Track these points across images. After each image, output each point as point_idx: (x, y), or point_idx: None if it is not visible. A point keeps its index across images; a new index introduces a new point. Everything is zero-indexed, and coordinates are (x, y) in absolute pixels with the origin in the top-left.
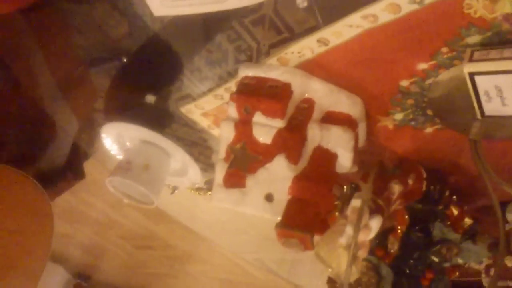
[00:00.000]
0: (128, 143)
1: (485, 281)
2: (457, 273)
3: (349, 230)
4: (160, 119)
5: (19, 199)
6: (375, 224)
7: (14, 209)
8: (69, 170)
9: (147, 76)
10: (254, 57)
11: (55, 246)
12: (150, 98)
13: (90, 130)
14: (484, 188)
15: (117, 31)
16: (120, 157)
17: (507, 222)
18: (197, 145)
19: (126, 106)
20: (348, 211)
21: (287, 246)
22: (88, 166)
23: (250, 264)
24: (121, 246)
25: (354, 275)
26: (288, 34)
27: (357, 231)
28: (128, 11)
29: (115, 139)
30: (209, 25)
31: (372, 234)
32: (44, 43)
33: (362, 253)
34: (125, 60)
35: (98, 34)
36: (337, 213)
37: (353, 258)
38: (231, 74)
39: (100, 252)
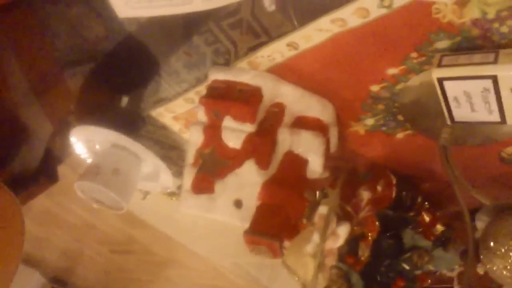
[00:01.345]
0: (97, 147)
1: None
2: (429, 281)
3: (316, 237)
4: (132, 123)
5: None
6: (343, 231)
7: None
8: (42, 174)
9: (122, 79)
10: (232, 60)
11: (31, 250)
12: (122, 101)
13: (64, 133)
14: (454, 195)
15: (93, 32)
16: (89, 160)
17: (476, 229)
18: (174, 148)
19: (96, 109)
20: (315, 218)
21: (256, 253)
22: (64, 170)
23: (229, 269)
24: (98, 250)
25: (321, 284)
26: (266, 38)
27: (324, 239)
28: (104, 12)
29: (85, 142)
30: (187, 28)
31: (340, 242)
32: (17, 44)
33: (330, 261)
34: (100, 62)
35: (73, 35)
36: (304, 220)
37: (320, 266)
38: (207, 77)
39: (76, 257)
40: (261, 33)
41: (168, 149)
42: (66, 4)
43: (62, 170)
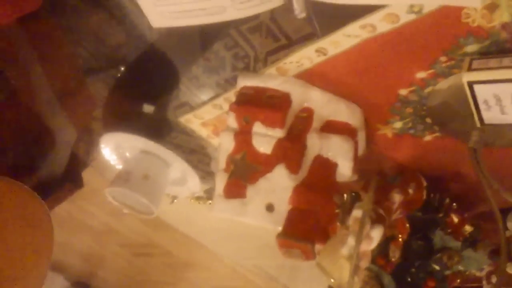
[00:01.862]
0: (127, 153)
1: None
2: (458, 281)
3: (351, 240)
4: (159, 129)
5: (17, 210)
6: (376, 234)
7: (13, 221)
8: (67, 179)
9: (145, 85)
10: (251, 65)
11: (54, 255)
12: (149, 108)
13: (88, 139)
14: (484, 196)
15: (114, 40)
16: (119, 167)
17: (507, 229)
18: (195, 152)
19: (124, 116)
20: (350, 221)
21: (288, 256)
22: (87, 175)
23: (250, 271)
24: (120, 254)
25: (357, 285)
26: (285, 41)
27: (359, 242)
28: (125, 20)
29: (114, 149)
30: (206, 33)
31: (373, 244)
32: (41, 52)
33: (364, 263)
34: (122, 69)
35: (95, 43)
36: (338, 223)
37: (355, 269)
38: (229, 82)
39: (99, 260)
40: (281, 37)
41: (189, 153)
42: (88, 12)
43: (85, 175)
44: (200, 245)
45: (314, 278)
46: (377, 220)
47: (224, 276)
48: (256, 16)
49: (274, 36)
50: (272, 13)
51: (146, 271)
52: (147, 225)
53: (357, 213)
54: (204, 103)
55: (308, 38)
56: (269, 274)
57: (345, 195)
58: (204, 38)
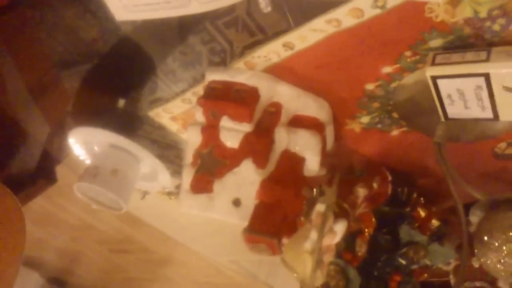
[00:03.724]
0: (96, 148)
1: (453, 281)
2: (425, 275)
3: (313, 234)
4: (130, 123)
5: None
6: (340, 228)
7: None
8: (40, 175)
9: (119, 79)
10: (227, 59)
11: (29, 251)
12: (120, 102)
13: (61, 134)
14: (449, 190)
15: (89, 34)
16: (88, 162)
17: (470, 224)
18: (172, 147)
19: (94, 110)
20: (313, 216)
21: (255, 251)
22: (63, 171)
23: (228, 267)
24: (97, 250)
25: (319, 280)
26: (262, 36)
27: (321, 236)
28: (99, 13)
29: (83, 143)
30: (182, 27)
31: (337, 238)
32: (14, 45)
33: (328, 257)
34: (96, 63)
35: (69, 37)
36: (302, 218)
37: (318, 263)
38: (204, 78)
39: (75, 257)
40: (257, 32)
41: (165, 149)
42: (62, 6)
43: (60, 170)
44: (177, 241)
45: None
46: (340, 214)
47: (202, 272)
48: (232, 11)
49: (250, 31)
50: (248, 7)
51: (123, 267)
52: (124, 221)
53: (320, 207)
54: (172, 97)
55: (283, 33)
56: (248, 270)
57: (314, 190)
58: (180, 32)
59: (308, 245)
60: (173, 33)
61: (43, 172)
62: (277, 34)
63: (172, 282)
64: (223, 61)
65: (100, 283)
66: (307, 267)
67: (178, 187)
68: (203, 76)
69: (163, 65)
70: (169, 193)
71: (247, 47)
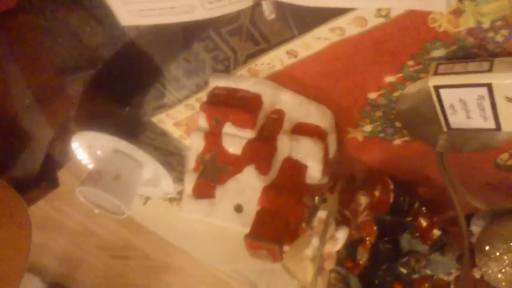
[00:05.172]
0: (99, 153)
1: None
2: (426, 285)
3: (315, 241)
4: (133, 129)
5: None
6: (341, 235)
7: None
8: (42, 179)
9: (123, 85)
10: (231, 67)
11: (31, 256)
12: (124, 107)
13: (65, 138)
14: (451, 200)
15: (93, 39)
16: (91, 166)
17: (472, 234)
18: (174, 154)
19: (97, 115)
20: (315, 222)
21: (256, 257)
22: (64, 175)
23: (229, 275)
24: (97, 256)
25: (320, 287)
26: (265, 45)
27: (323, 243)
28: (104, 19)
29: (86, 148)
30: (186, 34)
31: (338, 246)
32: (18, 50)
33: (329, 265)
34: (101, 68)
35: (74, 42)
36: (304, 224)
37: (319, 270)
38: (208, 84)
39: (76, 262)
40: (261, 40)
41: (168, 155)
42: (66, 11)
43: (62, 175)
44: (178, 248)
45: (293, 282)
46: (342, 221)
47: (202, 280)
48: (236, 19)
49: (254, 39)
50: (252, 16)
51: (123, 273)
52: (125, 227)
53: (321, 214)
54: (175, 103)
55: (287, 41)
56: (248, 279)
57: (316, 197)
58: (184, 40)
59: (309, 251)
60: (177, 41)
61: (45, 177)
62: (281, 42)
63: None
64: (226, 69)
65: None
66: (308, 274)
67: (180, 193)
68: (206, 83)
69: (166, 72)
70: (171, 199)
71: (250, 56)
